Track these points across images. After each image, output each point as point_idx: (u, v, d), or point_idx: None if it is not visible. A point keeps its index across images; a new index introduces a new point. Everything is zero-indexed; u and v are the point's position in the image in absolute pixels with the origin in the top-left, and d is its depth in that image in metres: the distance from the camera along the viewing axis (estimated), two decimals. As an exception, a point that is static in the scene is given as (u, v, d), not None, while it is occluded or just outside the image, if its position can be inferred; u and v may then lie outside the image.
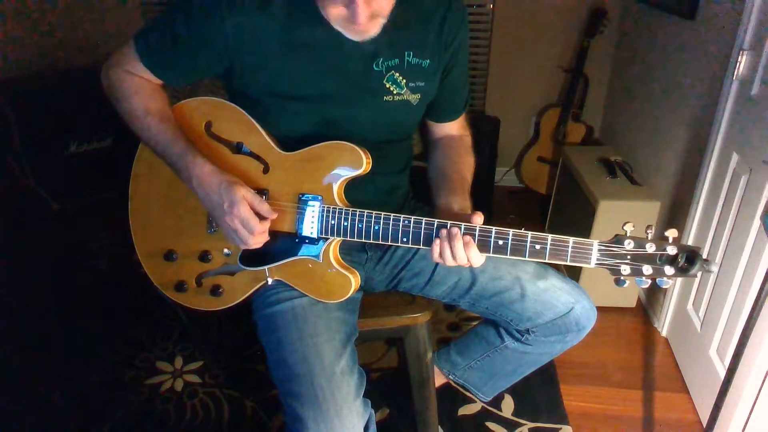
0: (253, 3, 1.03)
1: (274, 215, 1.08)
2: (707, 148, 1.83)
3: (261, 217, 1.07)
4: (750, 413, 1.52)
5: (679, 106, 2.10)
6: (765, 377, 1.47)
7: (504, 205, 3.13)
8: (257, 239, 1.08)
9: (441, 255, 1.01)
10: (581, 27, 2.88)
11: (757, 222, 1.53)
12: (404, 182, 1.32)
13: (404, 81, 1.12)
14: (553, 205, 2.71)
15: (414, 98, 1.15)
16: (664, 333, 2.15)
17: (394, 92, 1.13)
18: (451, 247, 0.99)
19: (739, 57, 1.64)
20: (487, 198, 2.99)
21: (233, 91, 1.15)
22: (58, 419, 1.77)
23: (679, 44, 2.12)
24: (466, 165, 1.25)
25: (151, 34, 1.10)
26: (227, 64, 1.08)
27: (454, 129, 1.33)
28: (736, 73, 1.66)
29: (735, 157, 1.69)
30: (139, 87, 1.14)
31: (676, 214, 2.08)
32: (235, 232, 1.07)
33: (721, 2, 1.83)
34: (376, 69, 1.10)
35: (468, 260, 1.00)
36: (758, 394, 1.49)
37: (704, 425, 1.61)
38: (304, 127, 1.11)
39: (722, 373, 1.64)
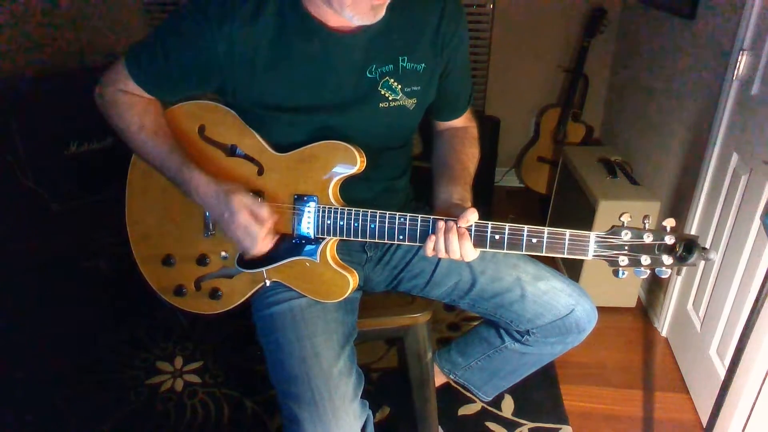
0: (243, 17, 1.02)
1: (274, 218, 1.08)
2: (707, 148, 1.82)
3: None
4: (750, 413, 1.52)
5: (679, 106, 2.10)
6: (765, 377, 1.46)
7: (504, 205, 3.13)
8: (261, 244, 1.07)
9: (434, 247, 1.00)
10: (581, 27, 2.87)
11: (757, 222, 1.52)
12: (402, 185, 1.31)
13: (399, 86, 1.12)
14: (553, 205, 2.71)
15: (410, 103, 1.14)
16: (664, 333, 2.15)
17: (390, 98, 1.12)
18: (444, 240, 0.99)
19: (739, 57, 1.64)
20: (487, 198, 2.99)
21: (227, 104, 1.14)
22: (59, 419, 1.77)
23: (679, 44, 2.12)
24: (469, 156, 1.24)
25: (142, 52, 1.10)
26: (220, 79, 1.07)
27: (458, 122, 1.32)
28: (736, 73, 1.66)
29: (735, 157, 1.68)
30: (132, 103, 1.13)
31: (676, 214, 2.08)
32: (240, 240, 1.07)
33: (721, 2, 1.82)
34: (369, 76, 1.09)
35: (461, 254, 0.99)
36: (758, 394, 1.49)
37: (704, 425, 1.61)
38: (298, 136, 1.10)
39: (722, 373, 1.63)
